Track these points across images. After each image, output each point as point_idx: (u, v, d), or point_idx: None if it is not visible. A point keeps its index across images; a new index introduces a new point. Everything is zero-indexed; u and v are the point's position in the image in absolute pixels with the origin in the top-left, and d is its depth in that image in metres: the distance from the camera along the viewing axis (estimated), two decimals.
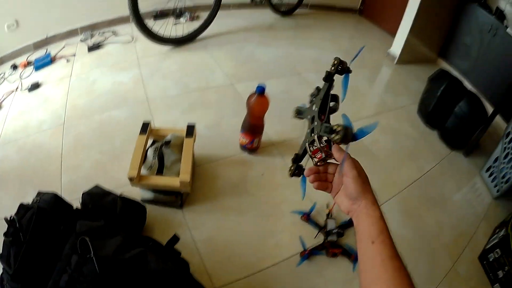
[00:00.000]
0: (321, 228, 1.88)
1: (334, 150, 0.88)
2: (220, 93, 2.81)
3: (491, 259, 1.96)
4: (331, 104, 0.98)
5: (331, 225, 1.86)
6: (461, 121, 2.59)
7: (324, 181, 0.97)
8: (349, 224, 1.90)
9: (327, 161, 0.92)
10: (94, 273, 1.23)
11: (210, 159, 2.23)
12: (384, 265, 0.73)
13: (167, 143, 1.92)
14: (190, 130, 1.98)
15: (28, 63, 3.20)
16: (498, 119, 2.82)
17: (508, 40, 3.11)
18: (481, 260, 2.03)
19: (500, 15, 3.23)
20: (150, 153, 1.93)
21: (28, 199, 1.56)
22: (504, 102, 2.66)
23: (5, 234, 1.41)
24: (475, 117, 2.57)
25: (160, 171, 1.86)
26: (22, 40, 3.37)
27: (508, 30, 3.11)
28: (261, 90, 1.98)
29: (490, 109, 2.71)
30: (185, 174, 1.75)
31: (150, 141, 2.02)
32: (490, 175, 2.49)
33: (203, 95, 2.79)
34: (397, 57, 3.55)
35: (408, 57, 3.55)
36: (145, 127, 1.95)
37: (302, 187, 1.03)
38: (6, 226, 1.41)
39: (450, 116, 2.65)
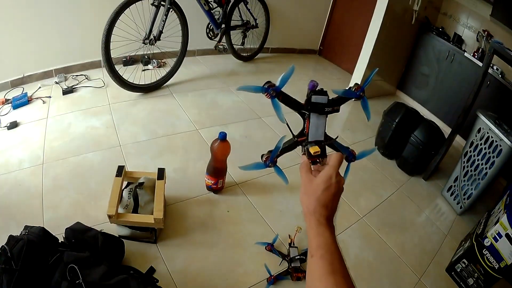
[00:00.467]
0: (285, 256, 2.08)
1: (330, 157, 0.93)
2: (185, 139, 3.02)
3: (458, 269, 2.17)
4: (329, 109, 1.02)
5: (294, 252, 2.07)
6: (417, 149, 2.79)
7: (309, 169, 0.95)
8: None
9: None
10: None
11: (179, 199, 2.41)
12: (322, 280, 0.73)
13: (141, 184, 2.15)
14: (161, 173, 2.21)
15: (6, 101, 3.26)
16: (459, 138, 3.04)
17: (466, 63, 3.33)
18: (449, 271, 2.21)
19: (458, 40, 3.46)
20: (125, 193, 2.14)
21: (11, 232, 1.67)
22: (462, 123, 2.83)
23: None
24: (431, 143, 2.78)
25: (135, 210, 2.08)
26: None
27: (466, 54, 3.32)
28: (223, 136, 2.22)
29: (448, 132, 2.90)
30: (159, 212, 1.97)
31: (124, 183, 2.22)
32: (451, 194, 2.71)
33: (170, 140, 2.97)
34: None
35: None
36: (120, 170, 2.17)
37: (280, 174, 1.07)
38: None
39: (406, 145, 2.85)
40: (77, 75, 3.81)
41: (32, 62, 3.62)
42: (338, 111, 1.03)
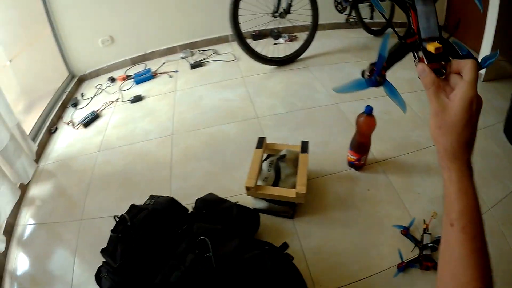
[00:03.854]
0: (418, 242, 1.87)
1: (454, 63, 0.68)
2: (325, 113, 2.81)
3: None
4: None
5: (427, 239, 1.86)
6: None
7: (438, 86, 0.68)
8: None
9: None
10: (211, 269, 1.28)
11: (319, 173, 2.22)
12: (462, 260, 0.64)
13: (283, 157, 1.97)
14: (305, 146, 2.01)
15: (127, 77, 3.36)
16: None
17: None
18: None
19: None
20: (265, 166, 1.97)
21: (133, 201, 1.65)
22: None
23: (113, 231, 1.51)
24: None
25: (275, 183, 1.89)
26: (118, 55, 3.59)
27: None
28: (369, 110, 1.98)
29: None
30: (302, 186, 1.77)
31: (264, 155, 2.06)
32: None
33: (309, 114, 2.80)
34: (483, 75, 3.36)
35: (492, 73, 3.34)
36: (260, 142, 2.01)
37: (394, 96, 0.86)
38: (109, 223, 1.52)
39: None
40: (204, 50, 3.77)
41: (155, 39, 3.68)
42: None
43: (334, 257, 1.80)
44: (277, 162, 1.94)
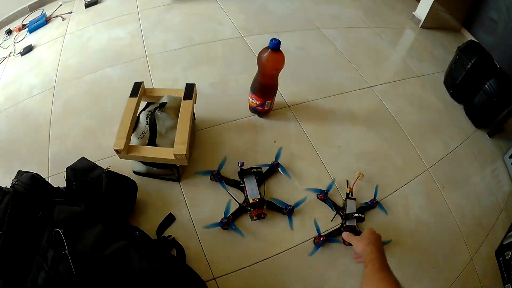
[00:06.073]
0: (340, 209, 1.67)
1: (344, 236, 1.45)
2: (228, 47, 2.50)
3: (507, 257, 1.84)
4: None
5: (351, 206, 1.66)
6: (490, 99, 2.39)
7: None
8: (370, 206, 1.69)
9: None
10: (70, 272, 1.09)
11: (214, 121, 1.97)
12: (373, 276, 1.07)
13: (162, 105, 1.63)
14: (189, 91, 1.66)
15: (23, 26, 3.05)
16: None
17: None
18: (498, 256, 1.90)
19: None
20: (142, 118, 1.65)
21: (15, 173, 1.41)
22: None
23: None
24: (505, 97, 2.37)
25: (152, 140, 1.57)
26: (16, 3, 3.22)
27: None
28: (275, 45, 1.63)
29: None
30: (181, 146, 1.46)
31: (144, 105, 1.75)
32: None
33: (208, 48, 2.50)
34: (422, 21, 3.26)
35: (432, 22, 3.28)
36: (136, 88, 1.65)
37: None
38: None
39: (479, 92, 2.45)
40: None
41: None
42: None
43: (231, 232, 1.58)
44: (153, 113, 1.61)
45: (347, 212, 1.62)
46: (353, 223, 1.59)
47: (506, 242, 1.88)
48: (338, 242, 1.57)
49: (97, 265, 1.12)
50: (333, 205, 1.67)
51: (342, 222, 1.62)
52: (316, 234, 1.57)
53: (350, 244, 1.50)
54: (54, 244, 1.13)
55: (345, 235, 1.42)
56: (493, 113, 2.44)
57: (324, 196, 1.68)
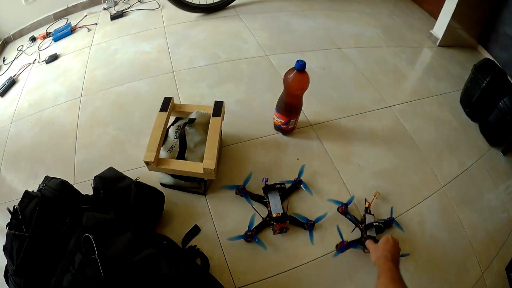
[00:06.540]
0: (359, 223, 1.68)
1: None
2: (253, 65, 2.53)
3: None
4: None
5: (370, 220, 1.69)
6: (504, 117, 2.37)
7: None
8: (388, 223, 1.70)
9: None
10: (99, 276, 1.10)
11: (239, 138, 2.01)
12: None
13: (191, 121, 1.68)
14: (218, 108, 1.71)
15: (48, 34, 3.08)
16: None
17: None
18: (508, 271, 1.87)
19: None
20: (171, 132, 1.71)
21: (40, 180, 1.44)
22: None
23: (7, 226, 1.32)
24: None
25: (181, 153, 1.62)
26: (41, 11, 3.26)
27: None
28: (301, 66, 1.66)
29: None
30: (210, 160, 1.51)
31: (172, 119, 1.80)
32: None
33: (234, 66, 2.53)
34: (440, 39, 3.25)
35: (449, 40, 3.28)
36: (166, 103, 1.71)
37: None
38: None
39: (493, 111, 2.44)
40: None
41: None
42: None
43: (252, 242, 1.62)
44: (183, 128, 1.66)
45: (366, 223, 1.65)
46: (372, 233, 1.62)
47: None
48: (359, 248, 1.59)
49: (126, 270, 1.14)
50: (353, 218, 1.69)
51: (362, 233, 1.64)
52: (339, 240, 1.60)
53: None
54: (82, 248, 1.15)
55: (369, 242, 1.45)
56: (507, 130, 2.43)
57: (344, 208, 1.71)
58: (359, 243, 1.60)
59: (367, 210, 1.72)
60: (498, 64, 2.76)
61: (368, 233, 1.62)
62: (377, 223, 1.63)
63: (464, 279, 1.72)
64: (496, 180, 2.25)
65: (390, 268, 1.15)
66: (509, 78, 2.54)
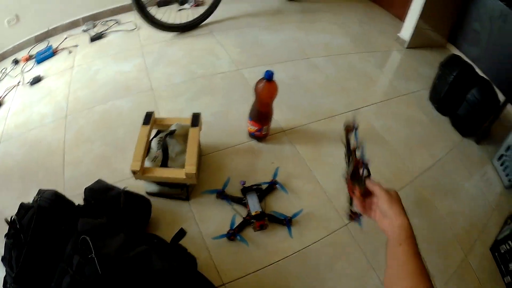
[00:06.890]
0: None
1: (367, 184, 1.08)
2: (226, 80, 2.70)
3: (502, 251, 1.92)
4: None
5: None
6: (473, 108, 2.50)
7: (369, 209, 1.07)
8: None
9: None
10: (96, 273, 1.17)
11: (216, 147, 2.14)
12: (409, 262, 0.89)
13: (172, 133, 1.83)
14: (196, 119, 1.87)
15: (30, 57, 3.14)
16: (510, 107, 2.75)
17: None
18: (493, 251, 1.98)
19: (510, 1, 3.04)
20: (154, 144, 1.84)
21: (32, 196, 1.50)
22: None
23: (6, 236, 1.37)
24: (488, 104, 2.49)
25: (164, 163, 1.77)
26: (23, 34, 3.32)
27: None
28: (269, 76, 1.86)
29: (501, 96, 2.62)
30: (191, 166, 1.65)
31: (154, 132, 1.93)
32: (501, 164, 2.42)
33: (209, 81, 2.68)
34: (407, 41, 3.41)
35: (417, 41, 3.43)
36: (148, 117, 1.85)
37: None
38: (7, 227, 1.36)
39: (462, 103, 2.57)
40: (107, 21, 3.53)
41: (57, 13, 3.42)
42: None
43: (237, 242, 1.74)
44: (165, 139, 1.81)
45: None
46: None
47: (500, 237, 1.98)
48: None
49: (121, 266, 1.23)
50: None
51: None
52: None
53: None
54: (79, 250, 1.23)
55: (373, 184, 1.06)
56: (477, 120, 2.55)
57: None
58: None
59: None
60: (466, 58, 2.91)
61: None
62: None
63: (446, 262, 1.83)
64: (472, 168, 2.39)
65: (413, 236, 0.94)
66: (477, 71, 2.66)
